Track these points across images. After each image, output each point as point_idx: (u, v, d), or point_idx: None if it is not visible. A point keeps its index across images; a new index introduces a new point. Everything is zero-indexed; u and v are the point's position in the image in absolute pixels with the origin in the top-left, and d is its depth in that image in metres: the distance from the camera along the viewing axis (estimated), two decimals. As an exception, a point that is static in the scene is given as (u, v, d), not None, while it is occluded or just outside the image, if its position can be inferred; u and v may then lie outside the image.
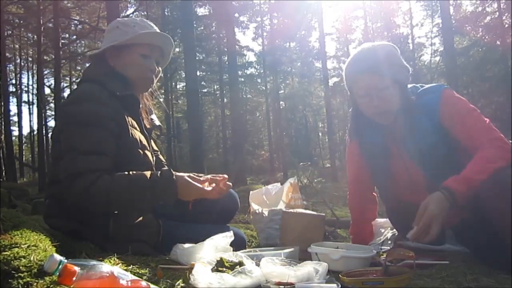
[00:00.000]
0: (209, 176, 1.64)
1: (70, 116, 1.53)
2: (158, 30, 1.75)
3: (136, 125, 1.66)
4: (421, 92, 1.63)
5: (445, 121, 1.56)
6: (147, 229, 1.57)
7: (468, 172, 1.38)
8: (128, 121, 1.59)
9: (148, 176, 1.48)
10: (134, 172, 1.49)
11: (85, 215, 1.52)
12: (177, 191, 1.49)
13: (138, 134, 1.63)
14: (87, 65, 2.13)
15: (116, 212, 1.53)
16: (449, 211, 1.37)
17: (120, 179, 1.45)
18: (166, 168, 1.69)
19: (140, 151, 1.62)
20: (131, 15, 17.02)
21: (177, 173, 1.53)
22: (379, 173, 1.78)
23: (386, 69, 1.55)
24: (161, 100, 2.17)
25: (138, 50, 1.68)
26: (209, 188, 1.57)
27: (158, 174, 1.50)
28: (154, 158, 1.78)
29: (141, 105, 1.73)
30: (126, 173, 1.48)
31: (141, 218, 1.58)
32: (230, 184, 1.67)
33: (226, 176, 1.68)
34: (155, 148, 1.91)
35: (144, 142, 1.67)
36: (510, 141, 1.65)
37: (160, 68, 1.78)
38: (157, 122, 1.89)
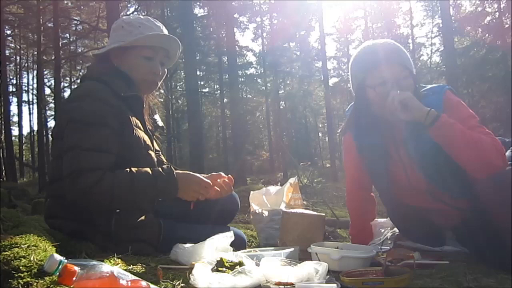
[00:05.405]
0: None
1: (73, 113, 1.51)
2: (165, 30, 1.72)
3: (140, 125, 1.66)
4: (424, 92, 1.59)
5: None
6: (148, 229, 1.57)
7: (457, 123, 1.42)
8: (132, 121, 1.59)
9: (150, 172, 1.49)
10: (136, 169, 1.49)
11: (86, 215, 1.51)
12: (178, 185, 1.50)
13: (142, 134, 1.63)
14: (87, 65, 2.13)
15: (118, 210, 1.52)
16: (419, 127, 1.45)
17: (122, 176, 1.45)
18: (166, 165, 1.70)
19: (144, 150, 1.62)
20: (131, 15, 16.99)
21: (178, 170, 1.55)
22: (378, 176, 1.75)
23: (405, 59, 1.58)
24: (161, 100, 2.16)
25: (141, 52, 1.66)
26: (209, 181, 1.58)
27: (160, 170, 1.50)
28: (156, 158, 1.78)
29: (144, 106, 1.72)
30: (128, 170, 1.47)
31: (142, 218, 1.57)
32: (231, 177, 1.69)
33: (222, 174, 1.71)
34: (157, 148, 1.91)
35: (148, 142, 1.66)
36: (510, 140, 1.65)
37: (165, 70, 1.76)
38: (160, 123, 1.89)
